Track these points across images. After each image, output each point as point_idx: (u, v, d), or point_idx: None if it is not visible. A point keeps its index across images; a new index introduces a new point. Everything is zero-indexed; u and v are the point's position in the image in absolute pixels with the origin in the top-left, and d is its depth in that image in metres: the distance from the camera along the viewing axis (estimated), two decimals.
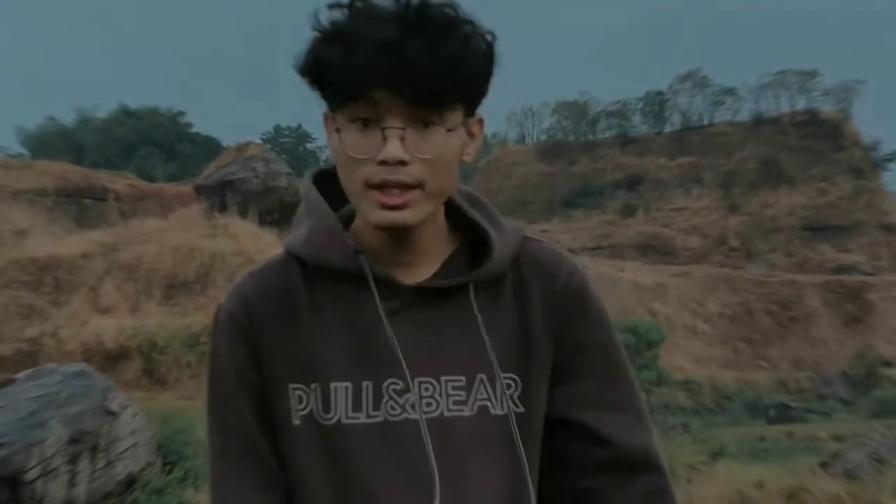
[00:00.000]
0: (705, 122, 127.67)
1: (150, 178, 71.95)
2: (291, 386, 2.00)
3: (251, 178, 54.19)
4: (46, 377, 15.52)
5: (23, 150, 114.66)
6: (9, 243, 48.84)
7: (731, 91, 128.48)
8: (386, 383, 1.97)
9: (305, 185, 2.20)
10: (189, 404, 36.58)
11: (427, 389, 1.97)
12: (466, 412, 1.98)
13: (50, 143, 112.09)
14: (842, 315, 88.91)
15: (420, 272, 2.04)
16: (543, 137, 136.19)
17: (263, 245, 51.50)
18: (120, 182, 61.54)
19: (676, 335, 78.49)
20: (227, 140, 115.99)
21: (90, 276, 47.52)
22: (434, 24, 1.83)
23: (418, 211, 1.92)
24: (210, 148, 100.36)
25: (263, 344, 2.02)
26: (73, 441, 14.39)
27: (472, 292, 2.01)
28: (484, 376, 1.99)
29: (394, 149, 1.85)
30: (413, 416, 1.95)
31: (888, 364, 78.14)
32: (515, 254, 2.08)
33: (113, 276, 47.82)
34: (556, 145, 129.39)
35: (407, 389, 1.96)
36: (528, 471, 1.99)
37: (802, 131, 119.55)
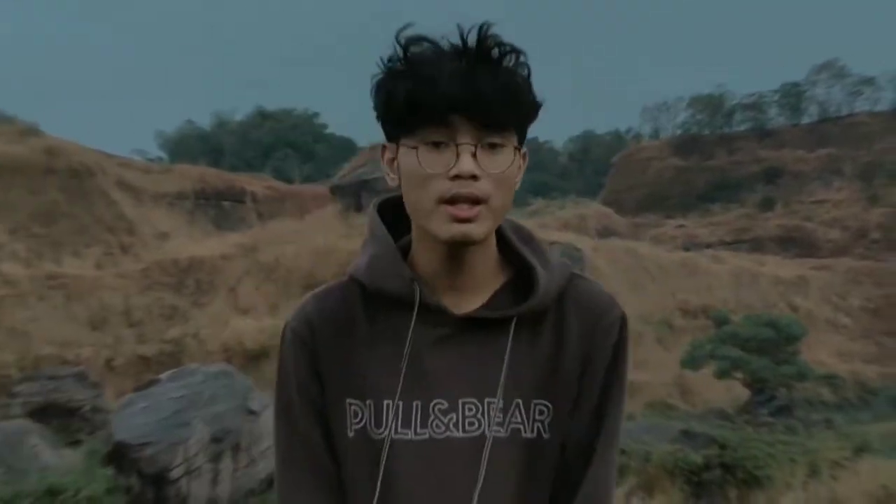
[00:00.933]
0: (843, 112, 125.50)
1: (287, 180, 72.67)
2: (348, 401, 2.22)
3: (385, 178, 54.62)
4: (189, 377, 15.84)
5: (162, 154, 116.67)
6: (151, 246, 49.80)
7: (870, 81, 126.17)
8: (433, 403, 2.18)
9: (370, 213, 2.43)
10: None
11: (470, 410, 2.18)
12: (502, 433, 2.17)
13: (188, 146, 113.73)
14: None
15: (470, 301, 2.25)
16: (678, 132, 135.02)
17: None
18: (257, 184, 62.37)
19: (818, 329, 77.37)
20: (362, 140, 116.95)
21: (230, 277, 48.31)
22: (494, 56, 2.10)
23: (483, 226, 2.13)
24: (345, 148, 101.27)
25: (324, 360, 2.24)
26: (216, 440, 14.66)
27: (512, 326, 2.21)
28: (520, 401, 2.19)
29: (467, 163, 2.08)
30: (456, 434, 2.16)
31: None
32: (560, 291, 2.27)
33: (252, 277, 48.56)
34: (691, 139, 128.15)
35: (453, 409, 2.17)
36: (544, 486, 2.22)
37: None
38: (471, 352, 2.20)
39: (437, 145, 2.11)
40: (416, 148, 2.13)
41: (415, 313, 2.20)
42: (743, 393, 49.18)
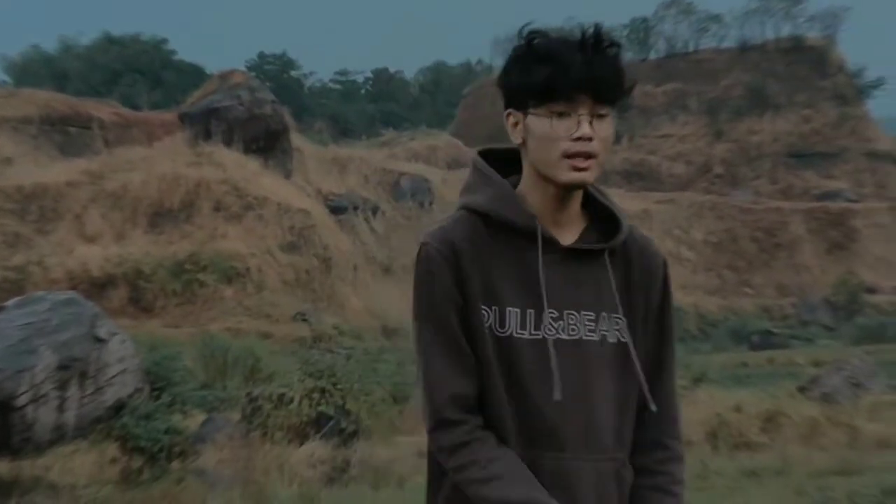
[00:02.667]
0: (690, 48, 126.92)
1: (135, 107, 71.47)
2: (481, 305, 2.78)
3: (236, 106, 54.04)
4: (35, 305, 15.64)
5: (6, 78, 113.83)
6: None
7: (716, 17, 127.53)
8: (545, 312, 2.77)
9: (477, 160, 3.04)
10: (175, 332, 36.83)
11: (572, 319, 2.80)
12: (595, 337, 2.81)
13: (33, 70, 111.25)
14: (825, 242, 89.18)
15: (566, 235, 2.85)
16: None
17: (248, 173, 51.45)
18: (104, 110, 61.28)
19: None
20: (212, 68, 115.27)
21: (75, 205, 47.49)
22: (605, 47, 2.74)
23: (593, 174, 2.76)
24: (194, 76, 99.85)
25: (464, 274, 2.79)
26: (63, 368, 14.55)
27: (607, 255, 2.85)
28: (605, 314, 2.83)
29: (586, 129, 2.71)
30: (563, 336, 2.78)
31: (871, 290, 78.54)
32: (629, 232, 2.91)
33: (98, 205, 47.80)
34: None
35: (560, 318, 2.78)
36: (631, 385, 2.83)
37: (787, 58, 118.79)
38: (572, 274, 2.82)
39: (561, 115, 2.72)
40: (547, 117, 2.74)
41: (540, 242, 2.78)
42: None
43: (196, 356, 23.88)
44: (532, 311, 2.78)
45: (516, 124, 2.85)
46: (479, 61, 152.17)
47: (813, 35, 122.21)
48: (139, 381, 15.75)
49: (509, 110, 2.86)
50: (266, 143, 54.89)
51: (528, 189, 2.87)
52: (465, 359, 2.79)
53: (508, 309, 2.78)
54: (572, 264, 2.83)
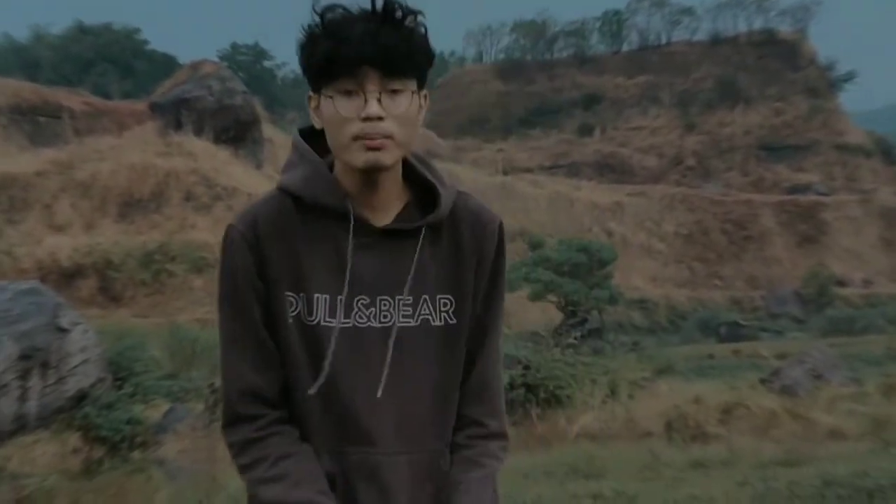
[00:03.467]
0: (663, 41, 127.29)
1: (106, 96, 71.36)
2: (286, 293, 2.65)
3: (206, 96, 53.94)
4: None
5: None
6: None
7: (688, 10, 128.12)
8: (356, 298, 2.64)
9: (296, 137, 2.85)
10: (144, 322, 36.78)
11: (385, 305, 2.66)
12: (413, 323, 2.67)
13: (4, 59, 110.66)
14: (796, 234, 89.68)
15: (383, 217, 2.70)
16: (501, 56, 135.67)
17: (219, 163, 51.36)
18: (75, 100, 61.04)
19: (632, 254, 79.01)
20: (184, 58, 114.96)
21: (45, 194, 47.33)
22: (395, 17, 2.54)
23: (390, 155, 2.58)
24: (166, 65, 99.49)
25: (267, 258, 2.65)
26: (24, 357, 14.51)
27: (421, 235, 2.69)
28: (427, 297, 2.69)
29: (374, 107, 2.53)
30: (374, 324, 2.65)
31: (840, 283, 79.00)
32: (453, 205, 2.76)
33: (68, 195, 47.66)
34: (513, 64, 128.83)
35: (372, 304, 2.65)
36: (457, 368, 2.75)
37: (759, 51, 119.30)
38: (386, 257, 2.67)
39: (349, 93, 2.55)
40: (332, 97, 2.57)
41: (351, 224, 2.64)
42: (557, 315, 50.16)
43: (163, 346, 23.92)
44: (342, 297, 2.64)
45: (316, 108, 2.68)
46: (453, 53, 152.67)
47: (785, 28, 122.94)
48: (102, 370, 15.72)
49: (310, 93, 2.71)
50: (236, 133, 54.81)
51: (339, 171, 2.70)
52: (264, 350, 2.66)
53: (316, 296, 2.65)
54: (387, 246, 2.69)
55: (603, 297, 50.16)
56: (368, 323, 2.65)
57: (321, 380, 2.59)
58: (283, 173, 2.78)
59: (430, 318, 2.70)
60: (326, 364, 2.61)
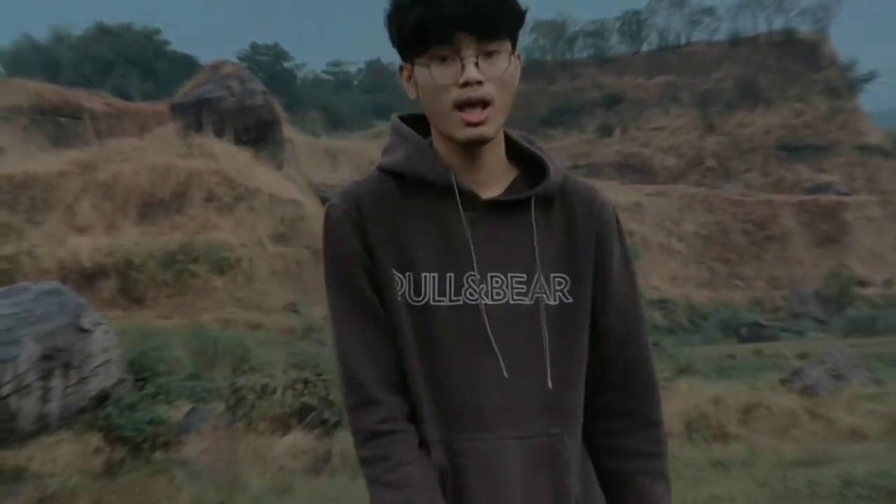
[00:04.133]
0: (683, 41, 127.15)
1: (127, 97, 71.47)
2: (393, 271, 2.55)
3: (227, 97, 54.04)
4: (19, 295, 15.70)
5: None
6: None
7: (708, 10, 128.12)
8: (466, 275, 2.53)
9: (394, 120, 2.78)
10: (166, 323, 36.88)
11: (497, 282, 2.54)
12: (527, 301, 2.55)
13: (25, 60, 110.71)
14: (816, 234, 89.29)
15: (491, 190, 2.60)
16: (521, 56, 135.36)
17: (240, 164, 51.46)
18: (96, 100, 61.16)
19: (652, 254, 78.91)
20: (204, 58, 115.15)
21: (66, 195, 47.44)
22: None
23: (492, 126, 2.50)
24: (187, 66, 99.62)
25: (372, 236, 2.56)
26: (46, 358, 14.61)
27: (532, 206, 2.59)
28: (540, 274, 2.57)
29: (472, 71, 2.44)
30: (487, 301, 2.52)
31: (861, 283, 78.66)
32: (562, 181, 2.66)
33: (89, 195, 47.76)
34: (534, 64, 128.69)
35: (482, 281, 2.53)
36: (578, 351, 2.62)
37: (779, 51, 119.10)
38: (496, 231, 2.56)
39: (444, 59, 2.47)
40: (427, 65, 2.49)
41: (458, 196, 2.55)
42: None
43: (185, 347, 23.99)
44: (452, 274, 2.53)
45: (409, 78, 2.61)
46: None
47: (805, 28, 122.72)
48: (123, 371, 15.82)
49: (401, 64, 2.63)
50: (257, 133, 54.88)
51: (438, 146, 2.63)
52: (385, 329, 2.55)
53: (424, 274, 2.53)
54: (497, 220, 2.57)
55: None
56: (480, 300, 2.53)
57: (500, 358, 2.50)
58: (382, 156, 2.72)
59: (544, 296, 2.58)
60: (436, 344, 2.52)
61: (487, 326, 2.51)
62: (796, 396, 17.29)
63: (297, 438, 15.46)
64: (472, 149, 2.55)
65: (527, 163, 2.69)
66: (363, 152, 75.25)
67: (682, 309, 74.14)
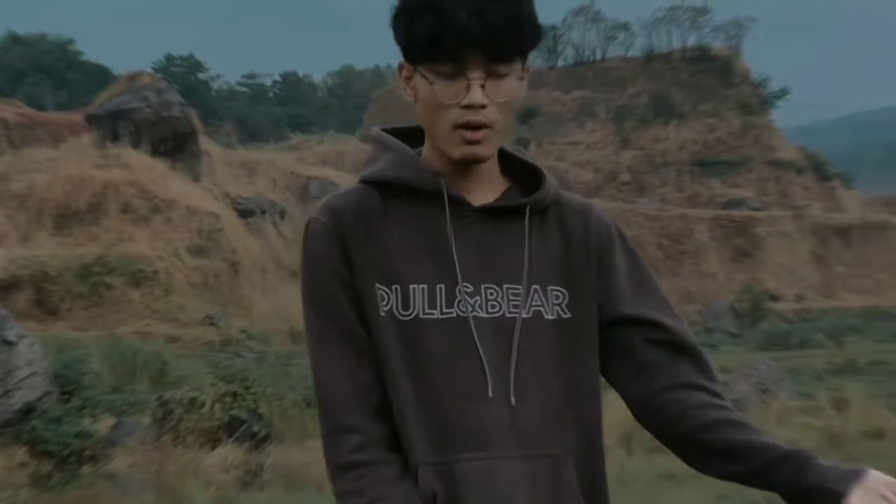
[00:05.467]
0: (598, 56, 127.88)
1: (39, 107, 70.68)
2: (377, 286, 2.38)
3: (144, 108, 53.67)
4: None
5: None
6: None
7: (624, 26, 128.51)
8: (459, 286, 2.36)
9: (375, 132, 2.65)
10: (83, 335, 36.44)
11: (492, 294, 2.38)
12: (523, 314, 2.38)
13: None
14: (730, 249, 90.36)
15: (483, 198, 2.45)
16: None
17: (156, 175, 51.08)
18: (9, 110, 60.46)
19: None
20: (118, 69, 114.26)
21: None
22: None
23: (490, 147, 2.37)
24: (100, 76, 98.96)
25: (353, 250, 2.40)
26: None
27: (527, 214, 2.44)
28: (538, 286, 2.41)
29: (477, 95, 2.30)
30: (481, 314, 2.36)
31: (774, 298, 79.70)
32: (557, 194, 2.52)
33: (3, 206, 47.24)
34: None
35: (477, 293, 2.37)
36: (579, 368, 2.43)
37: (693, 67, 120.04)
38: (489, 240, 2.42)
39: (449, 76, 2.31)
40: (429, 79, 2.33)
41: (440, 204, 2.40)
42: None
43: (104, 360, 23.68)
44: (442, 286, 2.37)
45: (409, 79, 2.43)
46: (388, 66, 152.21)
47: (718, 45, 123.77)
48: (48, 384, 15.59)
49: (401, 62, 2.45)
50: (174, 145, 54.57)
51: (429, 153, 2.48)
52: (364, 349, 2.38)
53: (412, 286, 2.37)
54: (489, 228, 2.43)
55: None
56: (474, 313, 2.36)
57: (488, 374, 2.32)
58: (363, 169, 2.54)
59: (542, 309, 2.42)
60: (427, 360, 2.34)
61: (476, 341, 2.35)
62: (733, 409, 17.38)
63: (228, 452, 15.32)
64: (466, 164, 2.42)
65: (520, 174, 2.55)
66: (279, 164, 74.83)
67: None
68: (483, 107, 2.31)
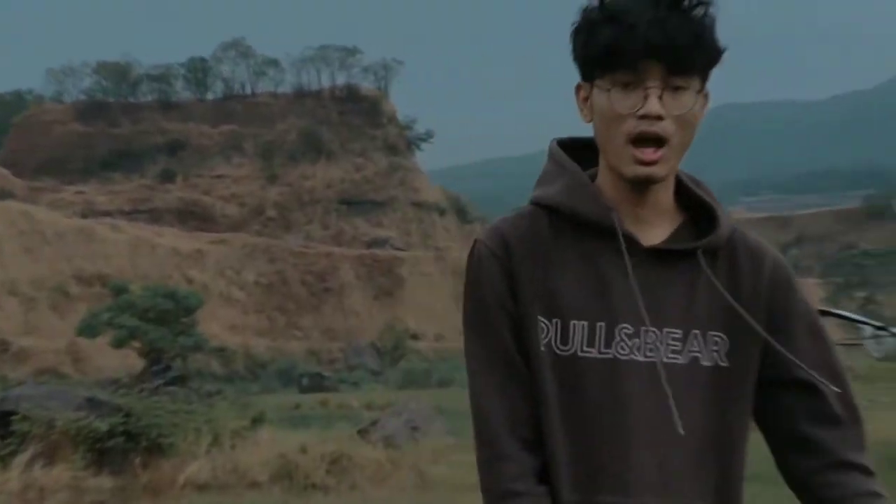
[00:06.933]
0: (248, 91, 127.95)
1: None
2: (538, 318, 2.31)
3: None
4: None
5: None
6: None
7: (273, 62, 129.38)
8: (619, 327, 2.29)
9: (552, 147, 2.55)
10: None
11: (651, 337, 2.29)
12: (681, 360, 2.31)
13: None
14: (374, 288, 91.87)
15: (653, 234, 2.36)
16: (83, 97, 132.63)
17: None
18: None
19: (213, 302, 78.70)
20: None
21: None
22: (685, 4, 2.24)
23: (666, 166, 2.27)
24: None
25: (518, 278, 2.34)
26: None
27: (700, 257, 2.35)
28: (698, 332, 2.33)
29: (654, 104, 2.21)
30: (638, 357, 2.29)
31: (415, 337, 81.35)
32: (730, 234, 2.42)
33: None
34: (95, 105, 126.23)
35: (636, 334, 2.29)
36: (732, 419, 2.35)
37: (342, 106, 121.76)
38: (654, 282, 2.34)
39: (627, 86, 2.24)
40: (608, 90, 2.26)
41: (610, 240, 2.32)
42: (139, 362, 49.27)
43: None
44: (603, 324, 2.31)
45: (586, 99, 2.37)
46: (31, 91, 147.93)
47: (367, 85, 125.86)
48: None
49: (579, 82, 2.39)
50: None
51: (603, 179, 2.43)
52: (519, 378, 2.35)
53: (573, 322, 2.32)
54: (656, 269, 2.36)
55: (189, 343, 49.82)
56: (631, 356, 2.30)
57: (676, 417, 2.25)
58: (537, 187, 2.47)
59: (699, 356, 2.35)
60: (581, 398, 2.30)
61: (630, 386, 2.29)
62: (380, 447, 17.48)
63: None
64: (640, 187, 2.33)
65: (695, 208, 2.46)
66: None
67: (241, 357, 74.45)
68: (660, 118, 2.24)
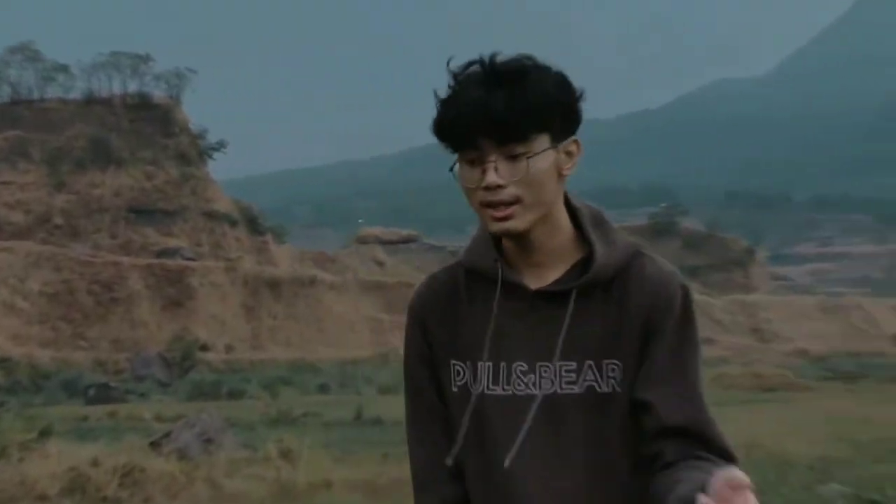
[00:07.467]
0: (36, 96, 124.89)
1: None
2: (452, 362, 2.64)
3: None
4: None
5: None
6: None
7: (64, 67, 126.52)
8: (514, 365, 2.56)
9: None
10: None
11: (545, 371, 2.53)
12: (576, 390, 2.53)
13: None
14: (163, 298, 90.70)
15: (547, 276, 2.59)
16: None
17: None
18: None
19: None
20: None
21: None
22: (509, 78, 2.42)
23: (522, 220, 2.48)
24: None
25: (432, 329, 2.68)
26: None
27: (572, 298, 2.54)
28: (591, 362, 2.53)
29: (492, 177, 2.43)
30: (534, 392, 2.53)
31: (205, 348, 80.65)
32: (621, 266, 2.58)
33: None
34: None
35: (531, 371, 2.55)
36: (620, 443, 2.53)
37: (133, 114, 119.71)
38: (541, 322, 2.56)
39: (472, 162, 2.47)
40: (461, 165, 2.51)
41: (498, 288, 2.58)
42: None
43: None
44: (504, 363, 2.57)
45: (461, 167, 2.57)
46: None
47: (159, 93, 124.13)
48: None
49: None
50: None
51: None
52: (445, 420, 2.67)
53: (480, 363, 2.59)
54: (547, 309, 2.56)
55: None
56: (527, 391, 2.56)
57: (513, 448, 2.52)
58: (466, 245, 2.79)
59: (594, 384, 2.53)
60: (487, 434, 2.58)
61: (526, 418, 2.53)
62: (172, 459, 17.39)
63: None
64: (517, 239, 2.56)
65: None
66: None
67: (24, 368, 72.74)
68: (500, 187, 2.44)
